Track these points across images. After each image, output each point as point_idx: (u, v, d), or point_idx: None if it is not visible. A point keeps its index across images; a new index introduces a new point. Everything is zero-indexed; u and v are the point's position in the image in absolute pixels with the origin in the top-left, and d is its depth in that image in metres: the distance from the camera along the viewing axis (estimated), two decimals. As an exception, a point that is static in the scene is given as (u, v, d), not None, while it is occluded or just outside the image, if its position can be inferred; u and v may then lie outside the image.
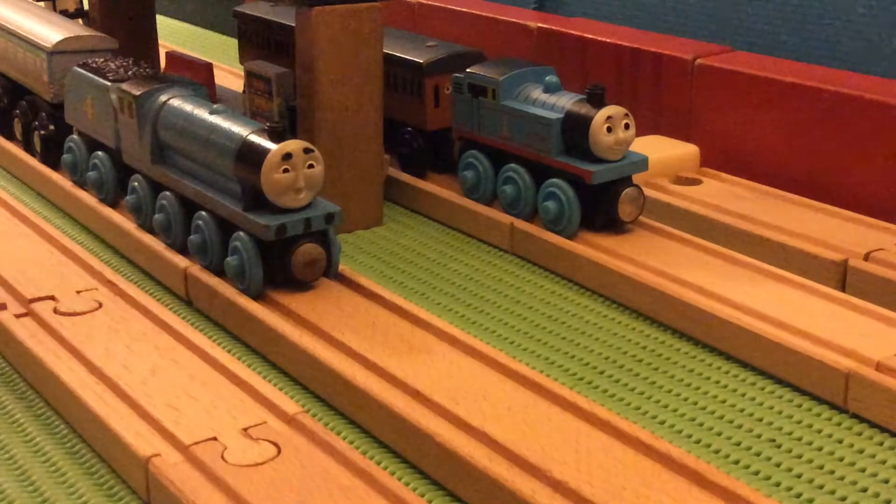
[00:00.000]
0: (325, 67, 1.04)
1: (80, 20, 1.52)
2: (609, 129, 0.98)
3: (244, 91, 1.23)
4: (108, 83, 1.03)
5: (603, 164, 0.99)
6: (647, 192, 1.05)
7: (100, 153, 1.08)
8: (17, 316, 0.87)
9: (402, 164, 1.19)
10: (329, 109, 1.05)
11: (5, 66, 1.28)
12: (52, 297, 0.89)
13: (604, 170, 0.99)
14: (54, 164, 1.19)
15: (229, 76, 1.51)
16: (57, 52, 1.16)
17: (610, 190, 1.00)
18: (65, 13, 1.51)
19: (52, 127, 1.19)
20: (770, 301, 0.88)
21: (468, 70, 1.09)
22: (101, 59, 1.12)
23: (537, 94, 1.04)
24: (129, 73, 1.05)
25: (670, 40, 1.29)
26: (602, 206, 1.00)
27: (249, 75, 1.18)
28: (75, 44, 1.17)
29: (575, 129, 1.00)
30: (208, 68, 1.30)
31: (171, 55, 1.36)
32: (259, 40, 1.30)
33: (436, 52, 1.16)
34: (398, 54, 1.16)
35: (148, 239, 1.00)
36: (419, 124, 1.16)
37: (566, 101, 1.01)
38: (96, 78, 1.06)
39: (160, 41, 1.43)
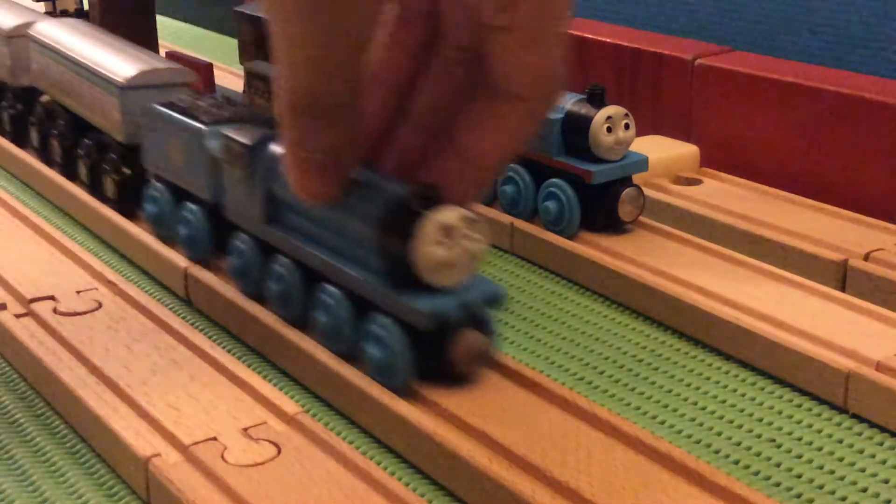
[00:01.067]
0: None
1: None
2: (609, 129, 0.99)
3: (244, 91, 1.23)
4: (203, 126, 0.90)
5: (603, 163, 0.99)
6: (647, 192, 1.05)
7: (191, 206, 0.94)
8: (17, 316, 0.87)
9: None
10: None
11: (68, 101, 1.16)
12: (52, 297, 0.89)
13: (604, 170, 0.99)
14: (131, 213, 1.06)
15: (229, 76, 1.51)
16: (131, 87, 1.03)
17: (610, 190, 1.00)
18: (65, 13, 1.52)
19: (126, 171, 1.06)
20: (770, 301, 0.88)
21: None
22: (186, 96, 1.00)
23: None
24: (225, 112, 0.93)
25: (670, 40, 1.29)
26: (602, 206, 1.01)
27: (249, 75, 1.18)
28: (151, 78, 1.05)
29: (575, 129, 1.00)
30: (208, 68, 1.30)
31: (170, 55, 1.36)
32: (259, 40, 1.30)
33: None
34: None
35: (148, 239, 1.00)
36: None
37: (566, 101, 1.01)
38: (186, 119, 0.93)
39: (160, 41, 1.43)
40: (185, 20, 2.06)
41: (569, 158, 1.01)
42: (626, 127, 1.00)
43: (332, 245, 0.78)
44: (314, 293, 0.80)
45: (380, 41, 0.71)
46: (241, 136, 0.85)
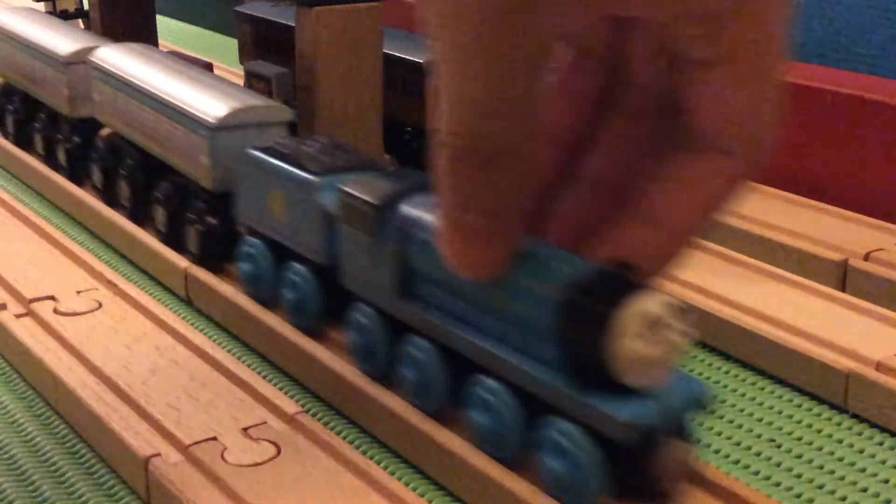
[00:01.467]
0: (325, 67, 1.04)
1: (81, 19, 1.52)
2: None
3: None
4: (314, 178, 0.79)
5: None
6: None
7: (299, 267, 0.82)
8: (17, 316, 0.87)
9: (402, 164, 1.19)
10: (329, 109, 1.05)
11: (140, 138, 1.03)
12: (52, 297, 0.89)
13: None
14: (218, 269, 0.93)
15: (229, 76, 1.51)
16: (222, 128, 0.90)
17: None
18: (65, 13, 1.52)
19: (213, 221, 0.92)
20: (770, 301, 0.88)
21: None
22: (286, 139, 0.88)
23: None
24: (337, 160, 0.81)
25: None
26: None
27: (249, 75, 1.18)
28: (245, 116, 0.91)
29: None
30: (208, 68, 1.30)
31: (170, 55, 1.36)
32: (259, 40, 1.30)
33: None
34: (398, 54, 1.16)
35: (148, 239, 1.00)
36: (419, 124, 1.16)
37: None
38: (291, 168, 0.81)
39: (160, 41, 1.43)
40: (185, 20, 2.06)
41: None
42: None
43: (491, 329, 0.65)
44: (465, 385, 0.66)
45: (548, 88, 0.59)
46: (366, 193, 0.72)
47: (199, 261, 0.93)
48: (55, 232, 1.02)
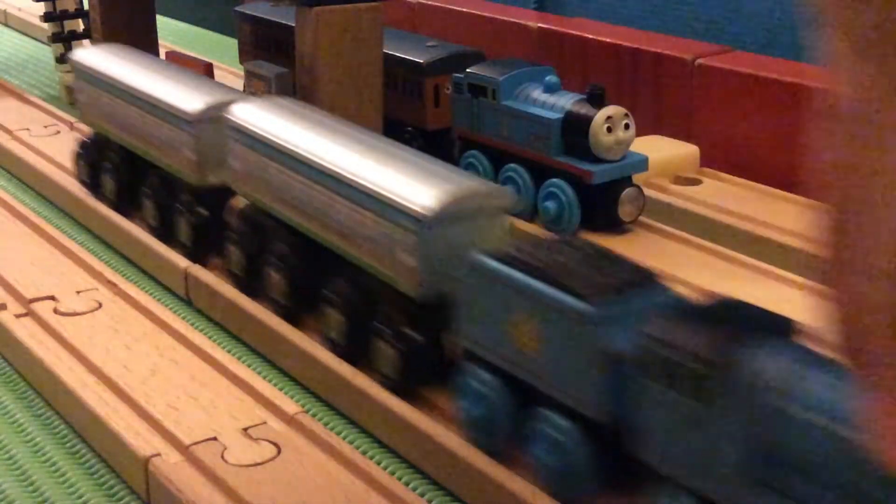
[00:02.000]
0: (325, 67, 1.04)
1: (81, 19, 1.52)
2: (609, 129, 0.98)
3: (244, 91, 1.23)
4: (589, 308, 0.59)
5: (603, 164, 0.99)
6: (647, 192, 1.05)
7: (557, 420, 0.62)
8: (17, 316, 0.87)
9: None
10: (329, 109, 1.05)
11: (306, 222, 0.83)
12: (52, 297, 0.89)
13: (604, 170, 0.99)
14: (424, 402, 0.74)
15: (229, 76, 1.51)
16: (436, 222, 0.71)
17: (610, 190, 1.00)
18: (65, 13, 1.52)
19: (416, 336, 0.73)
20: (770, 301, 0.87)
21: (468, 70, 1.08)
22: (524, 243, 0.67)
23: (537, 94, 1.03)
24: (609, 278, 0.61)
25: (670, 40, 1.29)
26: (602, 207, 1.00)
27: (249, 75, 1.18)
28: (462, 205, 0.72)
29: (575, 129, 0.99)
30: (208, 68, 1.30)
31: (171, 55, 1.36)
32: (259, 40, 1.30)
33: (436, 51, 1.16)
34: (398, 54, 1.16)
35: (148, 239, 1.00)
36: (419, 124, 1.16)
37: (566, 101, 1.01)
38: (547, 288, 0.61)
39: (160, 41, 1.43)
40: (185, 20, 2.06)
41: (568, 158, 1.00)
42: (626, 127, 0.99)
43: None
44: None
45: None
46: (689, 342, 0.54)
47: (395, 385, 0.74)
48: (55, 232, 1.02)
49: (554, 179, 1.01)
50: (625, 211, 1.01)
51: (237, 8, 1.35)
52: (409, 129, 1.17)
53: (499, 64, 1.08)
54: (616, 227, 1.01)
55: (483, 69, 1.07)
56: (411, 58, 1.15)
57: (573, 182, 1.00)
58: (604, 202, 1.00)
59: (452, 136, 1.13)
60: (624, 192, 1.00)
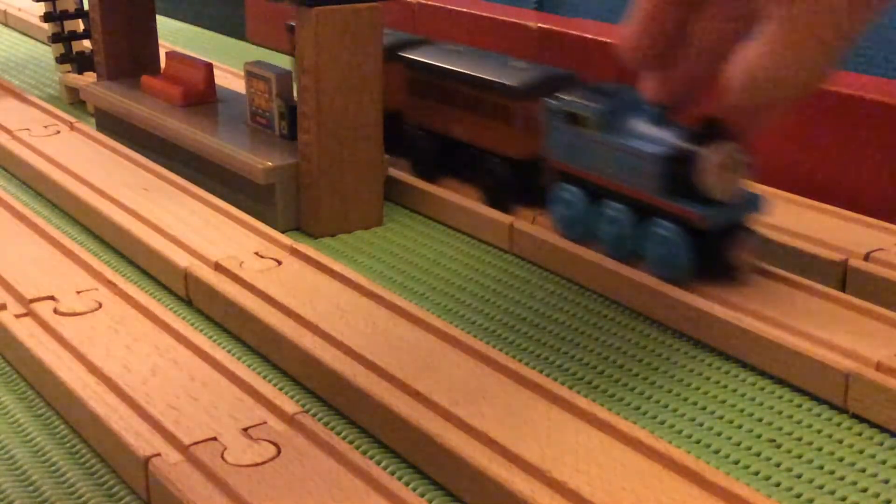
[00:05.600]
0: (326, 67, 1.04)
1: (81, 19, 1.52)
2: (722, 168, 0.88)
3: (247, 91, 1.23)
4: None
5: (715, 206, 0.89)
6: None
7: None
8: (17, 316, 0.87)
9: (487, 196, 1.10)
10: (329, 110, 1.05)
11: None
12: (52, 297, 0.89)
13: (716, 213, 0.89)
14: None
15: (229, 76, 1.51)
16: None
17: (723, 235, 0.90)
18: (65, 13, 1.52)
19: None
20: (770, 301, 0.88)
21: (565, 96, 0.99)
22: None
23: (642, 125, 0.93)
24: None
25: (670, 40, 1.28)
26: (715, 253, 0.90)
27: (249, 75, 1.18)
28: None
29: (683, 167, 0.89)
30: (208, 68, 1.30)
31: (171, 55, 1.36)
32: (415, 86, 1.17)
33: (526, 74, 1.07)
34: (482, 75, 1.08)
35: (148, 238, 1.00)
36: (506, 152, 1.07)
37: (674, 135, 0.90)
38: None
39: (160, 41, 1.43)
40: (185, 20, 2.06)
41: (676, 199, 0.90)
42: (740, 165, 0.89)
43: None
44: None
45: None
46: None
47: None
48: (55, 232, 1.02)
49: (659, 220, 0.91)
50: (740, 258, 0.90)
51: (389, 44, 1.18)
52: (495, 157, 1.09)
53: (598, 90, 0.98)
54: (730, 274, 0.91)
55: (581, 95, 0.98)
56: (499, 79, 1.06)
57: (681, 225, 0.90)
58: (716, 248, 0.90)
59: (543, 167, 1.03)
60: (739, 237, 0.90)
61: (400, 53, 1.17)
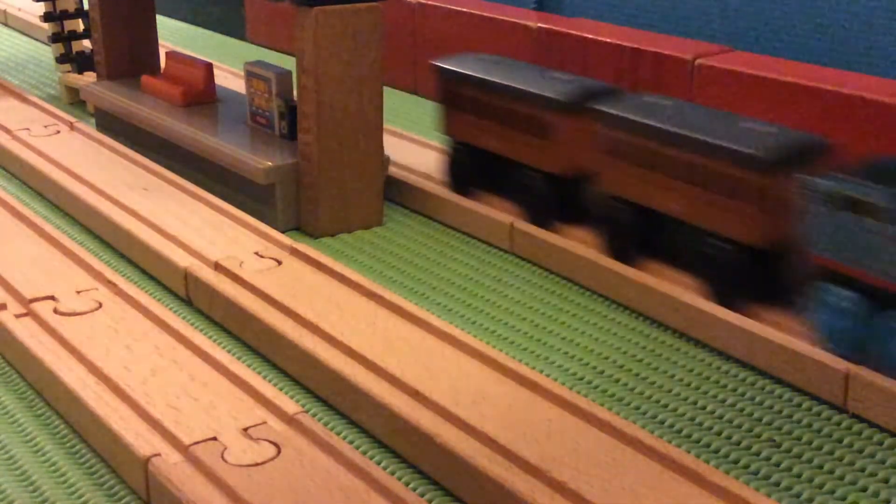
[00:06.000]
0: (326, 67, 1.04)
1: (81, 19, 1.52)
2: None
3: (247, 91, 1.23)
4: None
5: None
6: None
7: None
8: (17, 316, 0.87)
9: (712, 289, 0.89)
10: (329, 110, 1.05)
11: None
12: (52, 297, 0.89)
13: None
14: None
15: (229, 76, 1.51)
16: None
17: None
18: (65, 13, 1.52)
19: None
20: (770, 301, 0.88)
21: (835, 173, 0.77)
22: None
23: None
24: None
25: (670, 40, 1.29)
26: None
27: (249, 75, 1.18)
28: None
29: None
30: (208, 68, 1.30)
31: (171, 55, 1.36)
32: (480, 108, 1.08)
33: (772, 139, 0.86)
34: (715, 140, 0.87)
35: (148, 238, 1.00)
36: (745, 238, 0.86)
37: None
38: None
39: (160, 41, 1.43)
40: (185, 20, 2.06)
41: None
42: None
43: None
44: None
45: None
46: None
47: None
48: (55, 232, 1.02)
49: None
50: None
51: (439, 63, 1.13)
52: (724, 241, 0.88)
53: (880, 166, 0.78)
54: None
55: (859, 174, 0.76)
56: (740, 147, 0.85)
57: None
58: None
59: (799, 261, 0.82)
60: None
61: (592, 106, 0.98)
